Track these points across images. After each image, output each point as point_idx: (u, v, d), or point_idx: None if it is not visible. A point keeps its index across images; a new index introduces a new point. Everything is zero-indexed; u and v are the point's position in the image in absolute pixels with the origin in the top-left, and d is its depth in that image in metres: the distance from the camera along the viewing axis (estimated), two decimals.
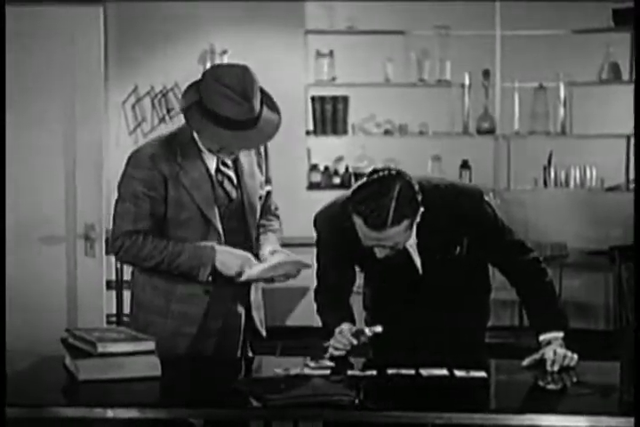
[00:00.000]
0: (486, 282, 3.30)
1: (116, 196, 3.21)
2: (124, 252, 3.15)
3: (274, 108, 3.23)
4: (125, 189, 3.16)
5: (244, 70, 3.07)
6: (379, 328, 3.00)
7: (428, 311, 3.13)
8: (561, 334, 3.00)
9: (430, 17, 7.18)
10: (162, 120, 7.09)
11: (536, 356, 2.94)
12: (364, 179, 2.86)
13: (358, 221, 2.82)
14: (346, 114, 7.25)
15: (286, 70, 7.09)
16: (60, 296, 5.48)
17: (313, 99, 7.21)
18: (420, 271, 3.09)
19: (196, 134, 3.17)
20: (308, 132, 7.23)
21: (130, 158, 3.18)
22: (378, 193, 2.79)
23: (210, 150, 3.18)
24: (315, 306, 3.24)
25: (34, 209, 5.44)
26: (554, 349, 2.93)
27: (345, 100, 7.24)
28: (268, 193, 3.41)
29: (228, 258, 3.12)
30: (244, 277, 3.12)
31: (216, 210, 3.18)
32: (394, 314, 3.18)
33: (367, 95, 7.25)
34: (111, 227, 3.20)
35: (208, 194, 3.17)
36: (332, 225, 3.08)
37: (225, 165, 3.22)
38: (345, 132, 7.28)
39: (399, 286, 3.13)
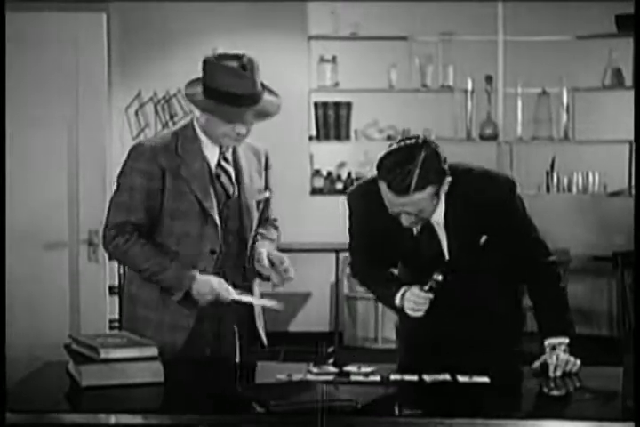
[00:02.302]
0: (514, 294, 3.26)
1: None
2: (113, 247, 3.18)
3: (274, 93, 3.28)
4: (123, 181, 3.20)
5: (242, 54, 3.16)
6: (439, 276, 2.98)
7: (453, 304, 3.09)
8: (567, 340, 3.01)
9: (433, 23, 7.19)
10: (165, 125, 7.10)
11: (540, 361, 2.94)
12: (392, 146, 2.90)
13: (383, 187, 2.86)
14: (349, 119, 7.26)
15: (289, 76, 7.10)
16: (62, 301, 5.48)
17: (316, 104, 7.22)
18: (447, 256, 3.08)
19: (197, 124, 3.22)
20: (310, 138, 7.24)
21: (131, 151, 3.22)
22: (403, 159, 2.83)
23: (212, 140, 3.20)
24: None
25: (37, 214, 5.44)
26: (557, 354, 2.93)
27: (348, 105, 7.25)
28: (267, 200, 3.43)
29: (204, 287, 3.14)
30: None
31: (214, 203, 3.21)
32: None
33: (370, 101, 7.26)
34: (105, 217, 3.23)
35: (207, 186, 3.20)
36: (361, 200, 3.11)
37: (226, 160, 3.25)
38: (348, 137, 7.29)
39: (425, 270, 3.10)
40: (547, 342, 3.00)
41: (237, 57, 3.14)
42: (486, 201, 3.02)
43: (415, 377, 2.81)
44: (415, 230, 3.06)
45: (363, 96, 7.24)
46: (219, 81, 3.10)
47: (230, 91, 3.09)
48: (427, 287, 2.97)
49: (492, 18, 7.09)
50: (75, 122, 5.43)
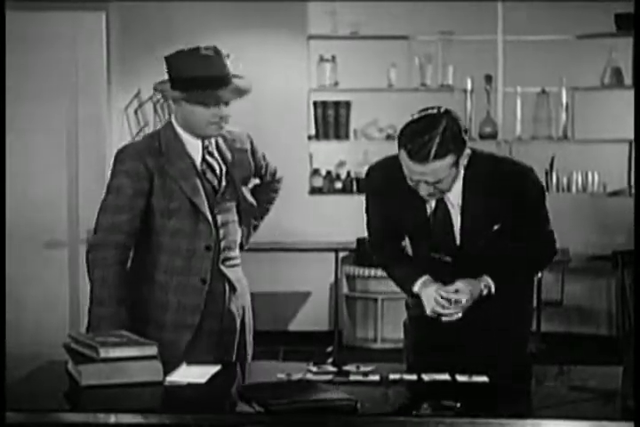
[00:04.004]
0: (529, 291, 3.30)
1: None
2: (92, 256, 3.16)
3: (240, 76, 3.26)
4: (111, 184, 3.21)
5: (200, 46, 3.17)
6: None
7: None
8: (491, 285, 3.00)
9: (433, 23, 7.19)
10: None
11: (449, 287, 2.97)
12: (412, 116, 2.92)
13: (403, 155, 2.89)
14: (348, 119, 7.26)
15: (289, 75, 7.10)
16: (62, 301, 5.49)
17: (315, 104, 7.22)
18: (458, 240, 3.08)
19: (176, 123, 3.24)
20: (310, 137, 7.24)
21: (117, 155, 3.24)
22: (424, 127, 2.87)
23: (195, 135, 3.22)
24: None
25: (37, 214, 5.45)
26: (468, 290, 2.96)
27: (347, 105, 7.25)
28: (259, 187, 3.49)
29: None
30: None
31: (204, 199, 3.21)
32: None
33: (369, 100, 7.26)
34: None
35: (195, 183, 3.22)
36: (380, 176, 3.13)
37: (210, 155, 3.27)
38: (347, 137, 7.28)
39: (433, 251, 3.12)
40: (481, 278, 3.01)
41: (197, 48, 3.16)
42: (506, 188, 3.03)
43: (414, 377, 2.81)
44: (429, 210, 3.06)
45: (362, 95, 7.24)
46: (185, 69, 3.12)
47: (198, 75, 3.11)
48: (452, 288, 2.97)
49: (492, 17, 7.09)
50: (74, 121, 5.44)
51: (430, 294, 3.02)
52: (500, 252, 3.09)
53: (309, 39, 7.19)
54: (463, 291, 2.98)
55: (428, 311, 3.03)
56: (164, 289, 3.24)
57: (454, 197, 3.04)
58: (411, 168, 2.89)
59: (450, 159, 2.88)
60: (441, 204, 3.05)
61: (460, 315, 2.99)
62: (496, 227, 3.06)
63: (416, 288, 3.08)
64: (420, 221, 3.08)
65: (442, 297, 2.99)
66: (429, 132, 2.85)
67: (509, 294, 3.11)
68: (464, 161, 2.95)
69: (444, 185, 2.95)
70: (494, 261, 3.07)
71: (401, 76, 7.25)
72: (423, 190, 2.95)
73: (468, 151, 2.95)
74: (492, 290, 3.03)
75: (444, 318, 2.98)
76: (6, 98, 5.03)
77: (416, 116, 2.92)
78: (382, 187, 3.13)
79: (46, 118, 5.43)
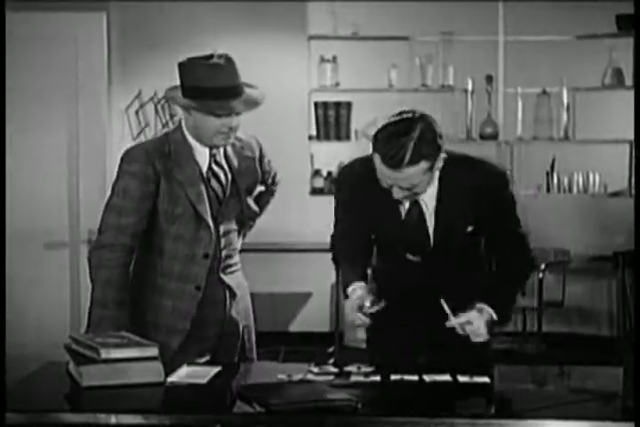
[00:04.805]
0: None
1: None
2: (96, 257, 3.15)
3: (253, 86, 3.24)
4: (117, 185, 3.19)
5: (214, 53, 3.14)
6: (381, 304, 2.97)
7: (431, 290, 3.08)
8: (493, 315, 2.97)
9: (433, 23, 7.19)
10: (165, 125, 7.09)
11: (462, 319, 2.92)
12: (389, 119, 2.90)
13: (377, 160, 2.86)
14: (349, 119, 7.26)
15: (289, 76, 7.10)
16: (63, 301, 5.49)
17: (316, 104, 7.21)
18: (432, 241, 3.07)
19: (185, 128, 3.21)
20: (310, 138, 7.23)
21: (124, 155, 3.21)
22: (398, 132, 2.84)
23: (203, 143, 3.19)
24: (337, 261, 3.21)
25: (37, 215, 5.45)
26: (475, 319, 2.91)
27: (348, 105, 7.24)
28: (261, 193, 3.45)
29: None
30: None
31: (207, 206, 3.20)
32: (398, 290, 3.14)
33: (370, 101, 7.25)
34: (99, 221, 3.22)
35: (200, 190, 3.20)
36: (352, 177, 3.12)
37: (217, 163, 3.25)
38: (348, 137, 7.28)
39: (408, 252, 3.12)
40: (479, 305, 2.97)
41: (210, 55, 3.12)
42: (481, 189, 3.02)
43: (415, 377, 2.81)
44: (403, 212, 3.05)
45: (363, 96, 7.24)
46: (197, 78, 3.09)
47: (210, 85, 3.08)
48: (371, 310, 2.95)
49: (493, 18, 7.09)
50: (75, 122, 5.44)
51: (350, 304, 3.00)
52: (474, 254, 3.12)
53: (310, 39, 7.19)
54: (474, 318, 2.94)
55: (348, 319, 3.02)
56: (161, 293, 3.23)
57: (429, 199, 3.03)
58: (384, 173, 2.87)
59: (424, 165, 2.85)
60: (415, 206, 3.04)
61: (487, 336, 2.95)
62: (470, 228, 3.06)
63: (348, 292, 3.06)
64: (394, 222, 3.06)
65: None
66: (403, 138, 2.82)
67: (472, 290, 3.11)
68: (439, 165, 2.92)
69: (419, 189, 2.93)
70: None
71: (402, 77, 7.25)
72: (397, 194, 2.93)
73: (443, 155, 2.92)
74: (494, 317, 2.99)
75: (477, 339, 2.93)
76: (6, 98, 5.03)
77: (391, 120, 2.90)
78: (355, 188, 3.11)
79: (46, 118, 5.42)
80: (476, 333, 2.93)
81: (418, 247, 3.09)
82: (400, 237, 3.09)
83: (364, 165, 3.04)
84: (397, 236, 3.10)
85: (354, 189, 3.12)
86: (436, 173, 2.96)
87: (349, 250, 3.19)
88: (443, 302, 2.93)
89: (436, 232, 3.06)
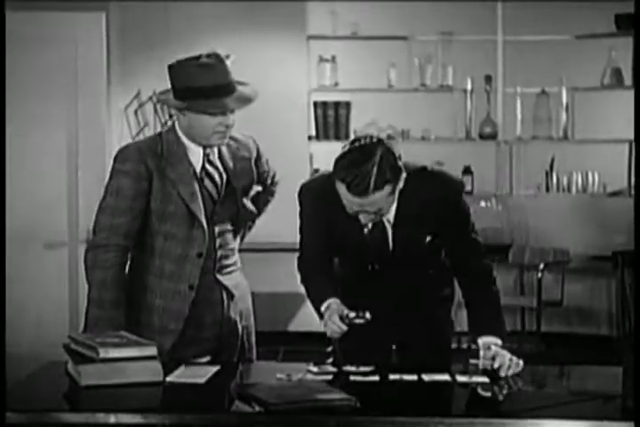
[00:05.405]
0: (450, 290, 3.33)
1: None
2: (92, 257, 3.15)
3: (244, 83, 3.24)
4: (110, 184, 3.19)
5: (201, 53, 3.13)
6: (367, 315, 2.98)
7: (390, 300, 3.16)
8: (500, 342, 2.98)
9: (433, 22, 7.19)
10: (164, 125, 7.09)
11: (486, 361, 2.92)
12: (346, 147, 2.90)
13: (342, 189, 2.87)
14: (348, 119, 7.26)
15: (288, 76, 7.10)
16: (62, 301, 5.49)
17: (315, 104, 7.22)
18: (391, 252, 3.10)
19: (179, 128, 3.21)
20: (310, 138, 7.23)
21: (117, 154, 3.21)
22: (360, 160, 2.84)
23: (198, 143, 3.19)
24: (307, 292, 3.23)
25: (37, 214, 5.45)
26: (504, 354, 2.90)
27: (347, 105, 7.24)
28: (259, 193, 3.45)
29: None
30: None
31: (201, 206, 3.19)
32: (361, 299, 3.15)
33: (369, 101, 7.26)
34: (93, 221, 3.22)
35: (193, 189, 3.19)
36: (315, 196, 3.13)
37: (210, 163, 3.24)
38: (347, 137, 7.27)
39: (368, 270, 3.16)
40: (482, 341, 2.98)
41: (199, 56, 3.12)
42: (436, 200, 3.05)
43: (414, 377, 2.81)
44: (366, 228, 3.08)
45: (362, 96, 7.24)
46: (188, 79, 3.09)
47: (202, 84, 3.08)
48: (347, 321, 2.98)
49: (492, 17, 7.09)
50: (74, 121, 5.44)
51: (330, 313, 3.02)
52: (435, 262, 3.18)
53: (309, 39, 7.19)
54: (498, 353, 2.92)
55: (328, 334, 3.05)
56: (153, 292, 3.23)
57: (390, 214, 3.06)
58: (350, 200, 2.88)
59: (388, 188, 2.87)
60: (379, 222, 3.07)
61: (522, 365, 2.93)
62: (429, 238, 3.10)
63: (322, 308, 3.08)
64: (358, 237, 3.09)
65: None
66: (365, 164, 2.83)
67: (436, 297, 3.24)
68: (400, 185, 2.94)
69: (384, 211, 2.96)
70: (423, 277, 3.15)
71: (401, 77, 7.25)
72: (364, 219, 2.96)
73: (404, 175, 2.92)
74: (500, 342, 2.99)
75: (502, 373, 2.90)
76: (6, 98, 5.03)
77: (349, 148, 2.90)
78: (317, 206, 3.13)
79: (46, 118, 5.43)
80: (510, 364, 2.89)
81: (379, 258, 3.13)
82: (363, 249, 3.13)
83: (324, 181, 3.05)
84: (361, 248, 3.13)
85: (316, 207, 3.14)
86: (397, 193, 2.98)
87: (318, 268, 3.20)
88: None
89: (394, 243, 3.10)
